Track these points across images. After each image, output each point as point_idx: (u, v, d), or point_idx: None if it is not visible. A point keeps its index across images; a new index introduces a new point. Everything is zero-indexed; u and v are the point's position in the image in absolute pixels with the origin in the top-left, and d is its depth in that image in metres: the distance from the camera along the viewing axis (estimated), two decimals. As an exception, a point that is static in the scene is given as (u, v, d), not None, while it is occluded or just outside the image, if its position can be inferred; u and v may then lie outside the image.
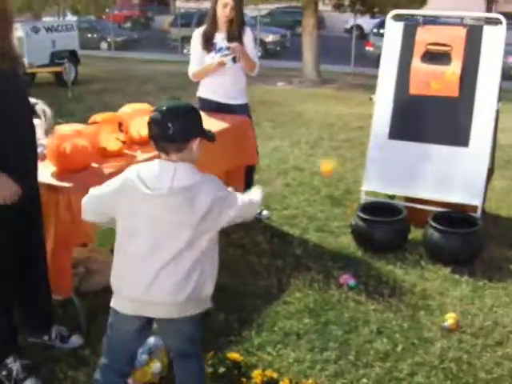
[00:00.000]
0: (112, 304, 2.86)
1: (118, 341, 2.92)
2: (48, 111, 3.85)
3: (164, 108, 2.72)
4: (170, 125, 2.66)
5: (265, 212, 6.03)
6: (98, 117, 4.48)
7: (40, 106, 3.79)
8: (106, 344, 2.96)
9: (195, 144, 2.76)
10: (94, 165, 4.15)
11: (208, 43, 5.61)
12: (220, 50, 5.59)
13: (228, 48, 5.55)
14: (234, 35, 5.58)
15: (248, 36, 5.69)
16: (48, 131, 3.82)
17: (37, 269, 3.68)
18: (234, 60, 5.59)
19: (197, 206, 2.67)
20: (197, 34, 5.72)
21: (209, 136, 2.88)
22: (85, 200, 2.90)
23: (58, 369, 3.62)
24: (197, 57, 5.71)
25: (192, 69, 5.77)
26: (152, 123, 2.75)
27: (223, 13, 5.51)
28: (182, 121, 2.71)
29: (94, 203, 2.87)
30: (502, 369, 3.72)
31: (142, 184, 2.69)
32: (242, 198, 2.88)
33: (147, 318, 2.85)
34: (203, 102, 5.74)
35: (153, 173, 2.73)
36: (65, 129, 4.08)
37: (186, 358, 3.00)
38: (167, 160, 2.74)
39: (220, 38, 5.61)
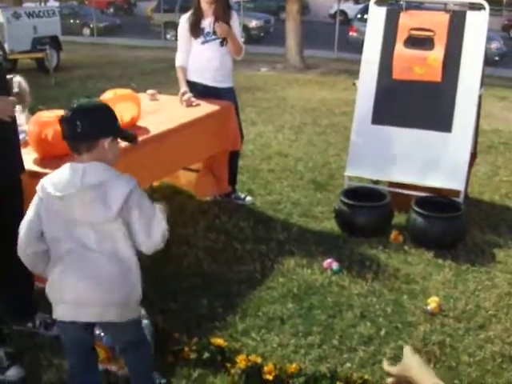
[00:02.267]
0: (54, 315, 2.80)
1: (72, 349, 2.92)
2: (24, 84, 3.82)
3: (74, 106, 2.66)
4: (78, 123, 2.58)
5: (248, 198, 6.03)
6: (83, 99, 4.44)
7: (16, 78, 3.75)
8: (66, 353, 2.98)
9: (107, 143, 2.66)
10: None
11: (195, 29, 5.61)
12: (208, 34, 5.60)
13: (215, 32, 5.55)
14: (221, 18, 5.57)
15: (234, 20, 5.70)
16: (24, 105, 3.75)
17: (17, 256, 3.66)
18: (222, 43, 5.59)
19: (111, 201, 2.59)
20: (183, 21, 5.71)
21: (125, 136, 2.85)
22: (19, 246, 2.79)
23: (42, 356, 3.61)
24: (184, 44, 5.72)
25: (179, 58, 5.79)
26: (62, 122, 2.68)
27: None
28: (91, 119, 2.63)
29: (27, 233, 2.75)
30: (484, 352, 3.75)
31: (54, 188, 2.62)
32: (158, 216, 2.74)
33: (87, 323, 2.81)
34: (190, 84, 5.72)
35: (63, 176, 2.66)
36: (46, 115, 4.05)
37: (135, 349, 3.00)
38: (78, 161, 2.65)
39: (207, 23, 5.61)
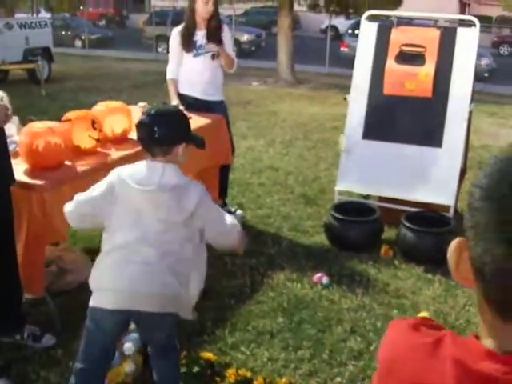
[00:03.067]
0: (92, 303, 2.82)
1: (96, 341, 2.88)
2: (6, 99, 3.81)
3: (152, 112, 2.81)
4: (156, 129, 2.74)
5: (239, 212, 6.02)
6: (71, 114, 4.44)
7: None
8: (84, 347, 2.90)
9: (181, 149, 2.84)
10: (68, 162, 4.12)
11: (187, 42, 5.62)
12: (200, 47, 5.61)
13: (207, 45, 5.60)
14: (214, 32, 5.60)
15: (226, 33, 5.73)
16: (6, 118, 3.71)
17: (7, 267, 3.64)
18: (213, 57, 5.61)
19: (183, 205, 2.75)
20: (175, 34, 5.72)
21: (197, 142, 2.99)
22: (70, 207, 2.90)
23: (31, 369, 3.57)
24: (175, 56, 5.74)
25: (170, 70, 5.79)
26: (140, 126, 2.84)
27: (205, 9, 5.52)
28: (168, 125, 2.80)
29: (80, 208, 2.88)
30: (473, 367, 3.74)
31: (131, 180, 2.74)
32: (229, 218, 2.96)
33: (128, 314, 2.81)
34: (181, 97, 5.73)
35: (141, 171, 2.80)
36: (38, 126, 4.04)
37: (165, 352, 3.01)
38: (155, 160, 2.79)
39: (200, 36, 5.63)
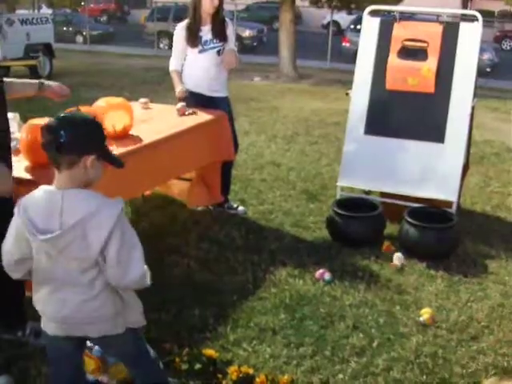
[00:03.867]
0: (42, 326, 2.72)
1: (57, 366, 2.84)
2: (17, 116, 3.81)
3: (61, 115, 2.50)
4: (62, 132, 2.39)
5: (241, 208, 6.01)
6: (71, 111, 4.41)
7: None
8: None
9: (89, 162, 2.45)
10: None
11: (193, 37, 5.59)
12: (205, 43, 5.59)
13: (212, 41, 5.60)
14: (219, 27, 5.59)
15: (230, 28, 5.72)
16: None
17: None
18: (219, 53, 5.59)
19: (91, 240, 2.44)
20: (179, 29, 5.69)
21: (112, 159, 2.62)
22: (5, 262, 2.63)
23: (32, 365, 3.56)
24: (178, 52, 5.73)
25: (173, 64, 5.78)
26: (44, 129, 2.47)
27: (211, 4, 5.49)
28: (77, 131, 2.45)
29: (11, 257, 2.60)
30: (477, 363, 3.73)
31: (33, 227, 2.45)
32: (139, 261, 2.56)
33: (77, 338, 2.72)
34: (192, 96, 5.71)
35: (40, 208, 2.47)
36: (38, 122, 4.01)
37: (136, 362, 2.95)
38: (56, 184, 2.49)
39: (205, 31, 5.60)
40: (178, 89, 5.64)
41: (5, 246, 2.60)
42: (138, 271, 2.53)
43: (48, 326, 2.68)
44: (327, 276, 4.69)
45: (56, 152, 2.42)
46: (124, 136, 4.61)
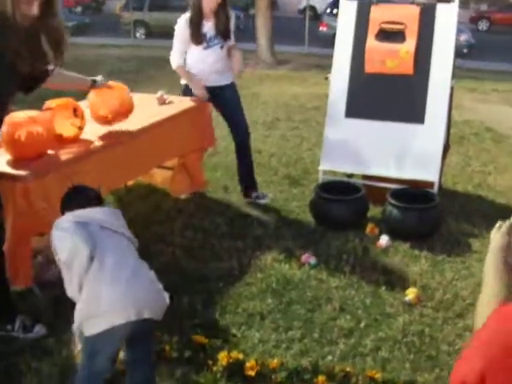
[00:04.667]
0: (90, 331, 2.72)
1: (99, 368, 2.83)
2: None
3: None
4: None
5: (269, 195, 6.03)
6: (52, 103, 4.39)
7: None
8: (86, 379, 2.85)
9: None
10: (51, 152, 4.09)
11: (197, 34, 5.44)
12: (210, 39, 5.50)
13: (217, 36, 5.51)
14: (223, 23, 5.50)
15: (232, 22, 5.65)
16: None
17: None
18: (222, 47, 5.55)
19: None
20: (182, 23, 5.48)
21: None
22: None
23: (21, 360, 3.54)
24: (181, 47, 5.54)
25: (176, 61, 5.57)
26: None
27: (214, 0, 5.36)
28: None
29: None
30: (463, 340, 3.78)
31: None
32: None
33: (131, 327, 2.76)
34: (188, 88, 5.66)
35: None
36: (19, 116, 3.99)
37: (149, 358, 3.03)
38: None
39: (208, 27, 5.48)
40: (199, 86, 5.55)
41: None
42: None
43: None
44: (312, 260, 4.72)
45: None
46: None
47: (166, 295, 2.90)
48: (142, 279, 2.80)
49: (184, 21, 5.48)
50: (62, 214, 2.84)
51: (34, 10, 3.28)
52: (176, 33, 5.54)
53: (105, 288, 2.67)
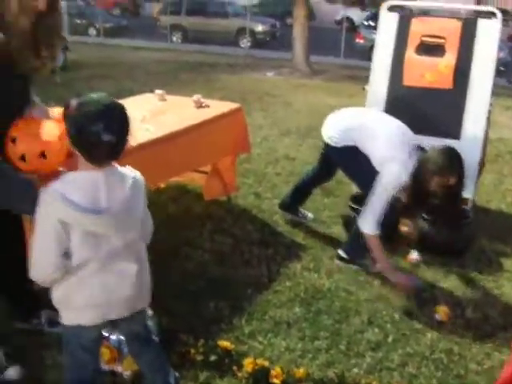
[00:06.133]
0: (69, 321, 2.68)
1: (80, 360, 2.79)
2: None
3: None
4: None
5: (310, 214, 5.82)
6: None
7: None
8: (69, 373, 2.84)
9: None
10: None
11: None
12: None
13: None
14: None
15: None
16: None
17: (19, 252, 3.63)
18: None
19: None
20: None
21: None
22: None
23: (47, 354, 3.56)
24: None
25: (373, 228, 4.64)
26: None
27: None
28: None
29: None
30: (492, 360, 3.73)
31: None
32: None
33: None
34: None
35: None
36: (59, 111, 3.98)
37: (147, 342, 2.99)
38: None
39: None
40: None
41: None
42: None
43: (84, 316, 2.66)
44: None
45: None
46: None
47: None
48: None
49: None
50: None
51: (41, 4, 3.27)
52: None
53: None
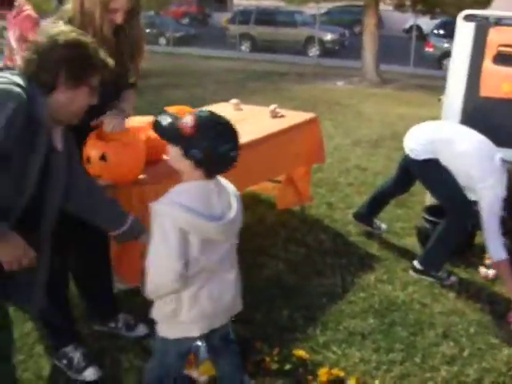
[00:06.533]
0: (173, 335, 2.75)
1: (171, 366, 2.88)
2: None
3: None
4: None
5: (383, 225, 5.82)
6: (170, 109, 4.49)
7: None
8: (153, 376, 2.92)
9: None
10: (166, 157, 4.16)
11: None
12: None
13: None
14: None
15: None
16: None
17: (100, 256, 3.73)
18: None
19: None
20: None
21: None
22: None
23: (124, 357, 3.65)
24: None
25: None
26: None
27: None
28: None
29: None
30: None
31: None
32: None
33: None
34: None
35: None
36: (138, 121, 4.09)
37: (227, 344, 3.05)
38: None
39: None
40: None
41: None
42: None
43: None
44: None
45: None
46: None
47: None
48: None
49: None
50: None
51: (119, 18, 3.35)
52: None
53: None
